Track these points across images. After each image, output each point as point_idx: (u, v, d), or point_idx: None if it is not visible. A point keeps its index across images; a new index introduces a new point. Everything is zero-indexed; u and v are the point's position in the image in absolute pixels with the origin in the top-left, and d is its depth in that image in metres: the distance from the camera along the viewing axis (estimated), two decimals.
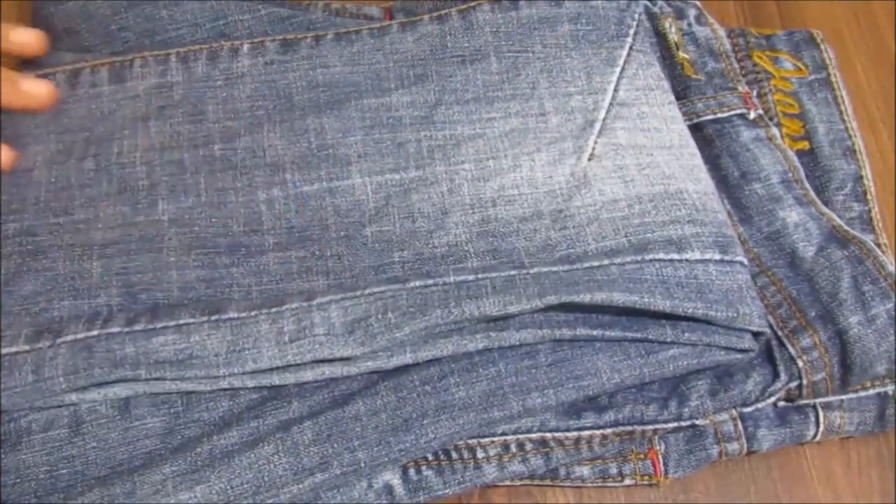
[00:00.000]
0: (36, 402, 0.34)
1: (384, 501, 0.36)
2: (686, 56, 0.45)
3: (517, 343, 0.35)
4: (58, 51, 0.42)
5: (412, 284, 0.35)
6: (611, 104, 0.41)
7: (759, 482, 0.37)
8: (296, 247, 0.37)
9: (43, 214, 0.38)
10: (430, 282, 0.35)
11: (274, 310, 0.35)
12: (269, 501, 0.33)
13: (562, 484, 0.37)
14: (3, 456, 0.34)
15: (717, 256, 0.37)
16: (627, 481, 0.37)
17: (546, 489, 0.36)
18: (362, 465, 0.34)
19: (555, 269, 0.36)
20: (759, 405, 0.37)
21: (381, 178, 0.39)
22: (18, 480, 0.34)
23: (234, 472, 0.33)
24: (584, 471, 0.37)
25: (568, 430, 0.36)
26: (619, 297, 0.34)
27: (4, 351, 0.34)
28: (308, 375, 0.35)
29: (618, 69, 0.41)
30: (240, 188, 0.38)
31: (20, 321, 0.36)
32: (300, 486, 0.33)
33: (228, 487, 0.33)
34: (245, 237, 0.38)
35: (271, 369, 0.35)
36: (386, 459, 0.34)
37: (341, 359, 0.34)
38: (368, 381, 0.36)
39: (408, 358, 0.35)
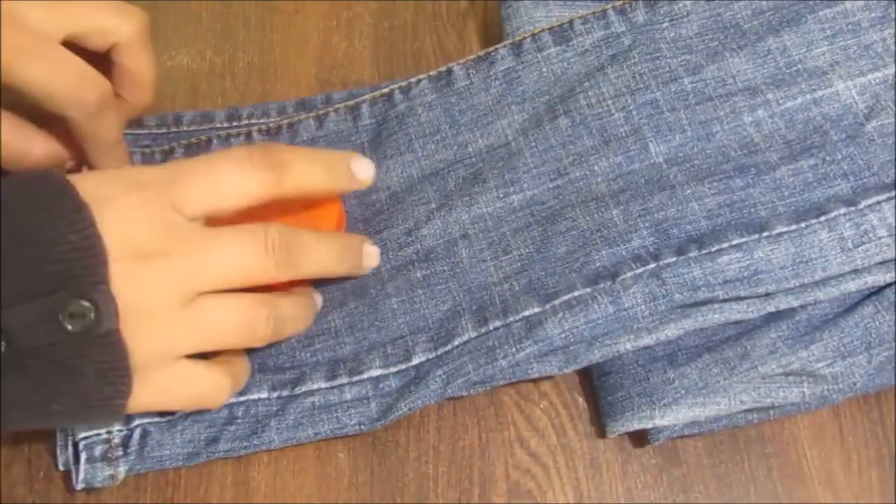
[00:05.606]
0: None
1: None
2: None
3: None
4: None
5: None
6: None
7: (759, 482, 0.36)
8: (804, 156, 0.38)
9: (540, 181, 0.39)
10: None
11: (823, 218, 0.35)
12: (884, 353, 0.35)
13: None
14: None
15: None
16: None
17: (546, 489, 0.36)
18: None
19: None
20: None
21: (864, 80, 0.39)
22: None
23: (842, 330, 0.35)
24: None
25: None
26: None
27: (564, 298, 0.35)
28: (872, 280, 0.35)
29: None
30: (723, 116, 0.39)
31: (567, 277, 0.36)
32: None
33: (840, 345, 0.35)
34: (746, 158, 0.38)
35: (836, 277, 0.35)
36: None
37: None
38: None
39: None
